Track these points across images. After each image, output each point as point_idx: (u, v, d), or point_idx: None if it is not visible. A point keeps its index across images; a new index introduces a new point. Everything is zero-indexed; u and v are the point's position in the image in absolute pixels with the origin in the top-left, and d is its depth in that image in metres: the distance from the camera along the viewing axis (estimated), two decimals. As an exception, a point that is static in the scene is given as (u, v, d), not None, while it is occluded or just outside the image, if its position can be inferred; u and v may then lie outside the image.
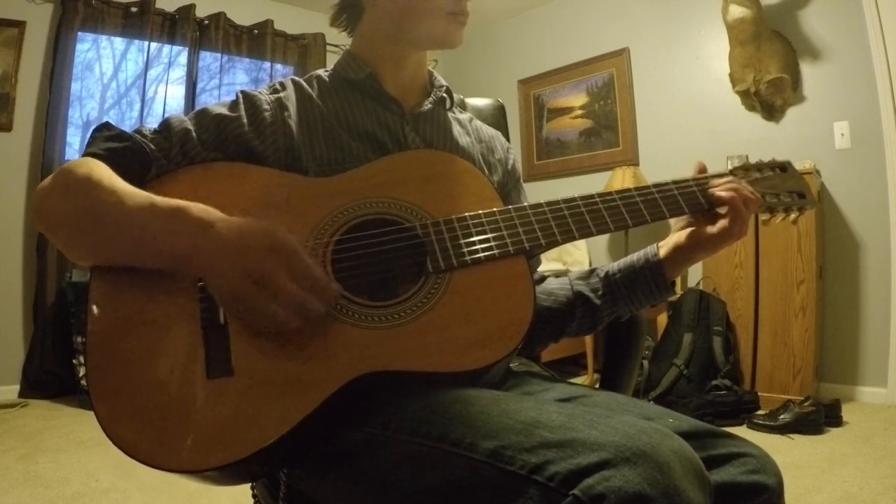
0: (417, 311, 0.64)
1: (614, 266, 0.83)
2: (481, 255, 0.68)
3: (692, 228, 0.78)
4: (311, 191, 0.72)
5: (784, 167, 0.83)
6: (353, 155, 0.77)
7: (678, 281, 0.86)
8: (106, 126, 0.73)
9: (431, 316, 0.64)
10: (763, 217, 0.81)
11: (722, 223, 0.74)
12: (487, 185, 0.76)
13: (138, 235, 0.61)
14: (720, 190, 0.75)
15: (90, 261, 0.65)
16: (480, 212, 0.72)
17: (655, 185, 0.76)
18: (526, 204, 0.74)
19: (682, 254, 0.78)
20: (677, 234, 0.79)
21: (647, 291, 0.80)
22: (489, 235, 0.70)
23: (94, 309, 0.62)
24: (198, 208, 0.61)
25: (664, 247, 0.80)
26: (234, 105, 0.78)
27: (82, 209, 0.63)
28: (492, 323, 0.64)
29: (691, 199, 0.76)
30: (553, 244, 0.72)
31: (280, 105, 0.79)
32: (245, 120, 0.76)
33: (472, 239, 0.69)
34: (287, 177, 0.74)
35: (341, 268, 0.67)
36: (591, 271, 0.85)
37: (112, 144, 0.70)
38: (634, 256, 0.82)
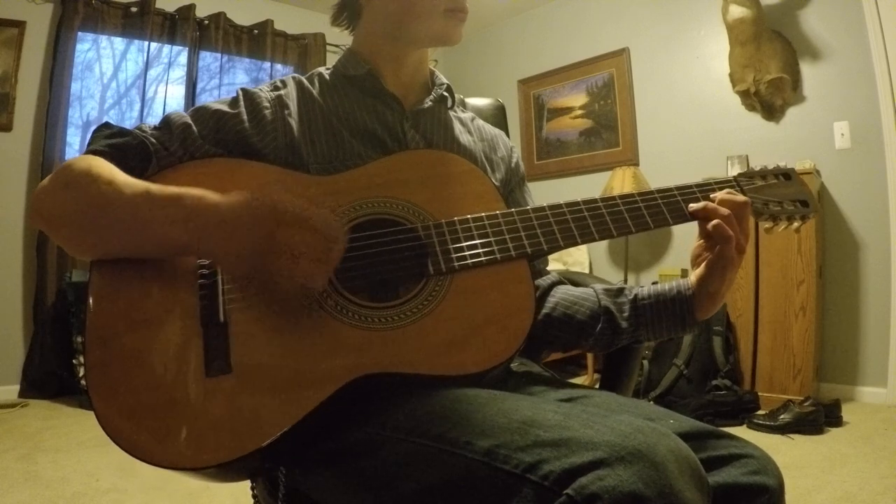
0: (418, 314, 0.64)
1: (644, 291, 0.80)
2: (483, 258, 0.68)
3: (703, 259, 0.75)
4: (312, 189, 0.72)
5: (788, 175, 0.83)
6: (354, 152, 0.77)
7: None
8: (106, 125, 0.74)
9: (431, 319, 0.64)
10: (765, 225, 0.81)
11: (719, 248, 0.72)
12: (490, 187, 0.76)
13: (139, 226, 0.61)
14: (697, 207, 0.73)
15: (92, 255, 0.65)
16: (483, 214, 0.72)
17: (659, 191, 0.76)
18: (528, 207, 0.74)
19: (703, 287, 0.75)
20: (697, 269, 0.77)
21: (672, 325, 0.78)
22: (491, 239, 0.70)
23: (94, 307, 0.61)
24: (194, 194, 0.61)
25: (693, 282, 0.77)
26: (234, 102, 0.78)
27: (82, 203, 0.63)
28: (492, 326, 0.64)
29: (679, 209, 0.75)
30: (555, 248, 0.72)
31: (280, 103, 0.79)
32: (245, 117, 0.76)
33: (473, 242, 0.69)
34: (288, 174, 0.74)
35: (343, 268, 0.67)
36: (620, 290, 0.82)
37: (113, 140, 0.70)
38: (667, 286, 0.79)
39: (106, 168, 0.65)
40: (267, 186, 0.71)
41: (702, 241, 0.76)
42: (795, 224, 0.80)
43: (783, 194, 0.80)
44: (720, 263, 0.72)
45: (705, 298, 0.76)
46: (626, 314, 0.79)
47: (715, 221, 0.71)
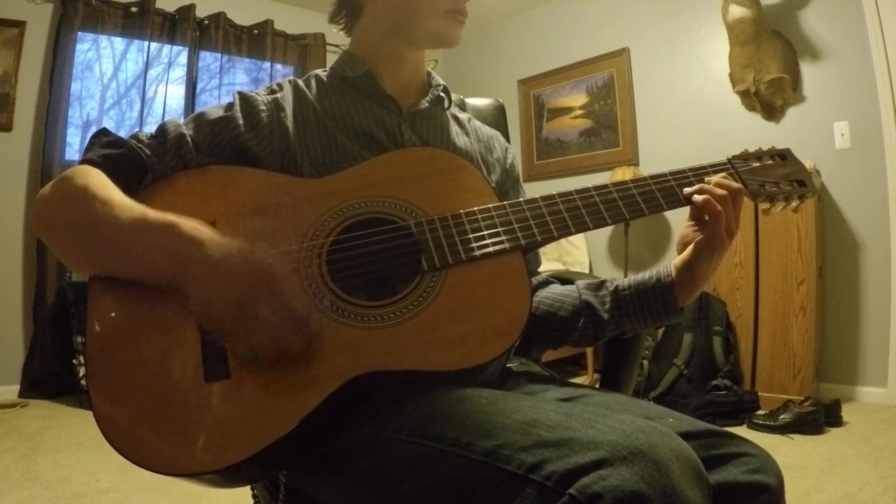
0: (413, 310, 0.64)
1: (625, 282, 0.80)
2: (477, 252, 0.68)
3: (691, 241, 0.75)
4: (305, 192, 0.72)
5: (784, 155, 0.82)
6: (349, 154, 0.77)
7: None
8: (103, 132, 0.74)
9: (427, 314, 0.64)
10: (763, 206, 0.80)
11: (708, 227, 0.72)
12: (483, 182, 0.76)
13: (130, 251, 0.62)
14: (692, 190, 0.73)
15: (86, 271, 0.66)
16: (475, 209, 0.72)
17: (652, 177, 0.76)
18: (521, 199, 0.73)
19: (688, 271, 0.75)
20: (682, 253, 0.77)
21: (655, 312, 0.78)
22: (485, 232, 0.70)
23: (93, 317, 0.62)
24: (188, 226, 0.61)
25: (675, 267, 0.77)
26: (229, 106, 0.78)
27: (78, 220, 0.64)
28: (488, 320, 0.64)
29: (673, 193, 0.75)
30: (549, 239, 0.71)
31: (277, 105, 0.79)
32: (241, 121, 0.76)
33: (468, 236, 0.69)
34: (281, 178, 0.74)
35: (337, 268, 0.67)
36: (601, 283, 0.82)
37: (108, 151, 0.70)
38: (647, 275, 0.79)
39: (103, 186, 0.65)
40: (265, 185, 0.71)
41: (692, 223, 0.76)
42: (793, 204, 0.80)
43: (779, 175, 0.80)
44: (710, 245, 0.72)
45: (688, 283, 0.75)
46: (607, 306, 0.79)
47: (709, 198, 0.71)
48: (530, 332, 0.84)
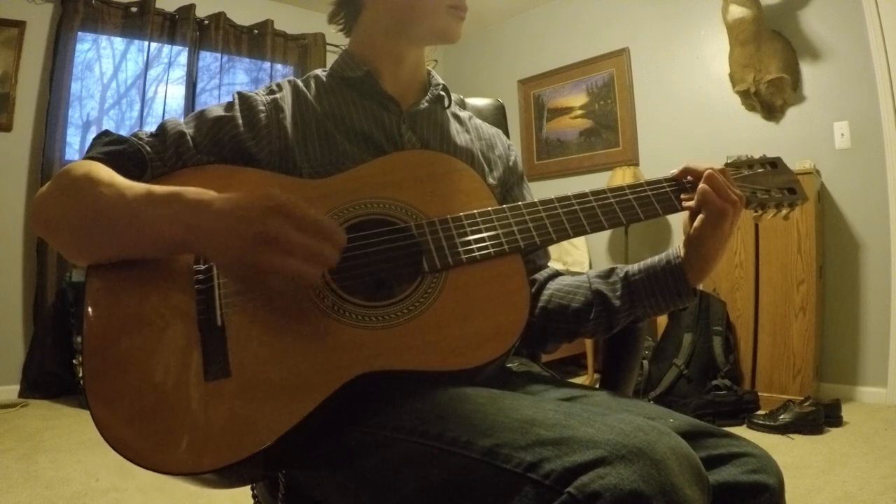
0: (414, 311, 0.64)
1: (634, 267, 0.80)
2: (477, 254, 0.68)
3: (694, 223, 0.75)
4: (304, 192, 0.72)
5: (774, 163, 0.83)
6: (348, 155, 0.77)
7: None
8: (105, 133, 0.74)
9: (428, 315, 0.64)
10: (754, 214, 0.81)
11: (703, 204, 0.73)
12: (481, 184, 0.76)
13: (139, 224, 0.62)
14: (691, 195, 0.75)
15: (92, 258, 0.65)
16: (475, 211, 0.72)
17: (649, 183, 0.76)
18: (521, 203, 0.74)
19: (696, 248, 0.75)
20: (688, 235, 0.77)
21: (668, 295, 0.77)
22: (484, 234, 0.70)
23: (91, 315, 0.61)
24: (193, 191, 0.62)
25: (683, 247, 0.77)
26: (229, 106, 0.78)
27: (82, 206, 0.63)
28: (488, 321, 0.64)
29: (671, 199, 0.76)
30: (548, 242, 0.72)
31: (276, 106, 0.79)
32: (240, 121, 0.76)
33: (467, 238, 0.70)
34: (280, 178, 0.74)
35: (338, 269, 0.67)
36: (611, 270, 0.82)
37: (109, 148, 0.71)
38: (656, 258, 0.79)
39: (105, 171, 0.65)
40: (265, 184, 0.71)
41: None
42: (784, 211, 0.81)
43: (770, 182, 0.81)
44: (711, 217, 0.72)
45: (698, 262, 0.75)
46: (618, 293, 0.79)
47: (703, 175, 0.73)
48: (544, 326, 0.84)
